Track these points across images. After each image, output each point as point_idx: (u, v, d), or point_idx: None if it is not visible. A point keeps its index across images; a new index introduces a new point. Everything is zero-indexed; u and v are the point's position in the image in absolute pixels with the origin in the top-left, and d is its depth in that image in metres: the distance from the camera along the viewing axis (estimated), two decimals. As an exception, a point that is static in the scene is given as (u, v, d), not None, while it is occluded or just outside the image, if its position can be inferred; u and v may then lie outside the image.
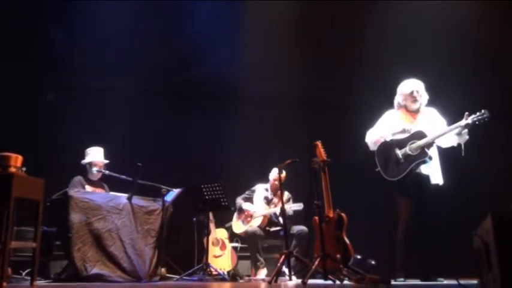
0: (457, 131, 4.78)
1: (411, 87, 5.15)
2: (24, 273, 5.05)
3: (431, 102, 5.24)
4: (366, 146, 5.30)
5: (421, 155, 4.84)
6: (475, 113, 4.67)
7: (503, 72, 6.96)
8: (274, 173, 6.37)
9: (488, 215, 2.40)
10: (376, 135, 5.20)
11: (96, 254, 4.80)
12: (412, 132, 4.99)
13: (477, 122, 4.65)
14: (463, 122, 4.72)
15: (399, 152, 4.93)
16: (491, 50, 7.00)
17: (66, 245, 4.81)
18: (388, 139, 5.09)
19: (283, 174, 6.16)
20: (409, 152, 4.89)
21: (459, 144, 4.88)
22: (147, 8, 7.15)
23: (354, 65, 7.12)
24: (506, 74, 6.95)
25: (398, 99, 5.24)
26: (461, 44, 6.91)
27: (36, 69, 7.01)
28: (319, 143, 4.98)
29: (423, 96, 5.16)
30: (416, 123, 5.10)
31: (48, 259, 5.44)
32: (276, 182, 6.25)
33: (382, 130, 5.19)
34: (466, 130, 4.78)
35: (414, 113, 5.17)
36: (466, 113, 4.71)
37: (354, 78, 7.10)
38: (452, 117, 5.04)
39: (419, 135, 4.91)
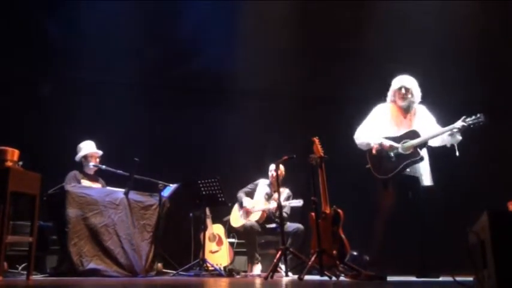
0: (450, 132, 4.79)
1: (400, 82, 5.10)
2: (20, 268, 5.05)
3: (422, 99, 5.19)
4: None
5: (413, 155, 4.84)
6: (470, 116, 4.67)
7: (497, 70, 6.98)
8: (272, 169, 6.38)
9: (484, 212, 2.41)
10: (365, 139, 5.13)
11: (92, 249, 4.79)
12: (405, 131, 4.97)
13: (472, 126, 4.66)
14: (458, 124, 4.72)
15: (391, 152, 4.92)
16: (484, 47, 7.01)
17: (62, 239, 4.81)
18: (377, 143, 5.02)
19: (281, 170, 6.19)
20: (401, 151, 4.89)
21: (452, 145, 4.87)
22: (143, 3, 7.14)
23: (352, 59, 7.12)
24: (499, 73, 6.98)
25: (389, 93, 5.20)
26: (455, 41, 6.94)
27: (33, 63, 6.98)
28: (316, 139, 4.98)
29: (414, 95, 5.08)
30: (406, 121, 5.07)
31: (45, 254, 5.44)
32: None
33: (372, 136, 5.09)
34: (457, 132, 4.77)
35: (405, 111, 5.12)
36: (464, 116, 4.71)
37: (352, 73, 7.10)
38: (444, 114, 5.03)
39: (413, 134, 4.90)
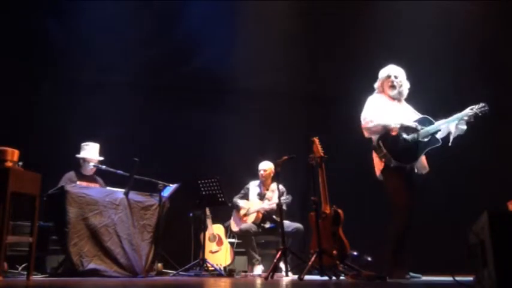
0: (457, 121, 4.69)
1: (387, 71, 4.99)
2: (20, 268, 5.04)
3: (414, 97, 5.14)
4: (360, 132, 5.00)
5: (433, 142, 4.68)
6: (476, 104, 4.63)
7: (499, 71, 6.99)
8: (260, 167, 6.41)
9: (484, 212, 2.41)
10: (382, 121, 4.79)
11: (92, 249, 4.79)
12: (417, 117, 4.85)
13: (479, 114, 4.61)
14: (468, 113, 4.64)
15: (408, 138, 4.71)
16: (488, 47, 7.02)
17: (62, 239, 4.80)
18: (398, 124, 4.78)
19: (268, 169, 6.26)
20: (419, 138, 4.70)
21: (449, 134, 4.73)
22: (144, 3, 7.15)
23: (352, 59, 7.12)
24: (501, 73, 6.98)
25: (377, 84, 5.08)
26: (455, 40, 6.96)
27: (34, 64, 6.98)
28: (316, 139, 4.97)
29: (403, 85, 4.96)
30: (403, 110, 4.94)
31: (45, 254, 5.44)
32: (264, 174, 6.36)
33: (389, 118, 4.81)
34: (463, 121, 4.68)
35: (397, 101, 4.98)
36: (471, 106, 4.65)
37: (352, 73, 7.09)
38: (441, 111, 4.98)
39: (427, 121, 4.77)
